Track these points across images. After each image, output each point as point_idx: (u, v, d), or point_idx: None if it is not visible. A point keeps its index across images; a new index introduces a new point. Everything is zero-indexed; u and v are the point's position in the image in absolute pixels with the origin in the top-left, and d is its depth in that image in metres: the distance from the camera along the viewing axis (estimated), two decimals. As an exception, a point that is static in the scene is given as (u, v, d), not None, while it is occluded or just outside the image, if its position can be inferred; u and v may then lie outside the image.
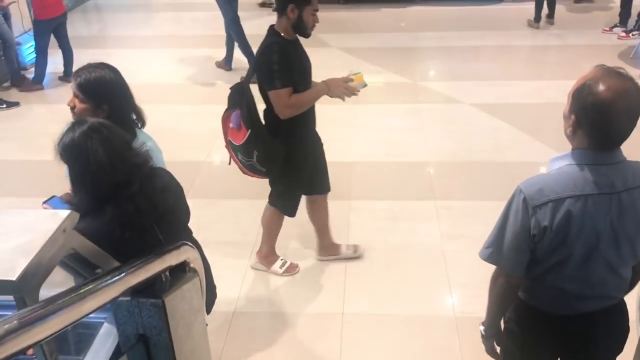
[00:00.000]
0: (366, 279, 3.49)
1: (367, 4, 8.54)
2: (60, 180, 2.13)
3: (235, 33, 6.19)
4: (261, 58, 2.90)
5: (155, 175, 1.97)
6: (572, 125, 1.68)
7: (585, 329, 1.85)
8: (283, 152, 3.04)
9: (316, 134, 3.31)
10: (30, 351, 1.52)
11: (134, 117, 2.37)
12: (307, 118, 3.11)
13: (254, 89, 3.01)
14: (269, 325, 3.21)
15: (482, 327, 2.02)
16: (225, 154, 4.91)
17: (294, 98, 2.89)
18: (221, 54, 6.68)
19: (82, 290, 1.23)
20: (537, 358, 1.96)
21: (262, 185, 4.37)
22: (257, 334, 3.15)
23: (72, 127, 1.81)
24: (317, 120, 5.38)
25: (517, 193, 1.73)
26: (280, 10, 2.87)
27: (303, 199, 3.41)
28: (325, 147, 4.97)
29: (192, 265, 2.01)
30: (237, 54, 6.42)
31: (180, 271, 1.95)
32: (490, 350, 2.06)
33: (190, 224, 3.90)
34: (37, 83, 6.18)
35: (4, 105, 5.78)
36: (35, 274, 1.21)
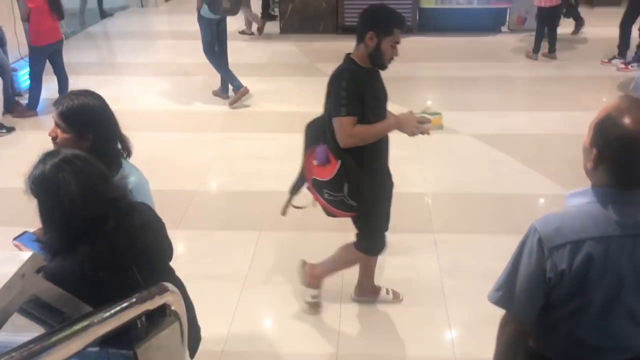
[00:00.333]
0: (362, 317, 3.34)
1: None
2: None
3: (209, 58, 6.19)
4: (330, 84, 2.79)
5: (134, 211, 1.85)
6: (593, 160, 1.56)
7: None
8: (371, 184, 2.92)
9: (387, 167, 3.17)
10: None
11: (120, 146, 2.25)
12: (379, 147, 2.94)
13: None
14: (259, 366, 3.06)
15: None
16: (217, 182, 4.90)
17: (358, 128, 2.72)
18: (213, 83, 6.63)
19: (38, 346, 1.10)
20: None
21: (256, 216, 4.29)
22: (247, 375, 3.00)
23: (44, 158, 1.71)
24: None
25: (531, 232, 1.60)
26: (359, 37, 2.76)
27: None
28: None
29: (172, 308, 1.87)
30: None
31: (160, 315, 1.81)
32: None
33: (180, 256, 3.78)
34: (31, 109, 6.10)
35: (4, 131, 5.70)
36: (-14, 325, 1.09)
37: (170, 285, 1.86)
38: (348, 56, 2.84)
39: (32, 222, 2.14)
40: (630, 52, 7.06)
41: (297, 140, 5.47)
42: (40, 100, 6.13)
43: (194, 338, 2.23)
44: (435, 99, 6.51)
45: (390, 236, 3.98)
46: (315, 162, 2.90)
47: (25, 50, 6.47)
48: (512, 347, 1.71)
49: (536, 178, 4.70)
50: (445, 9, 8.46)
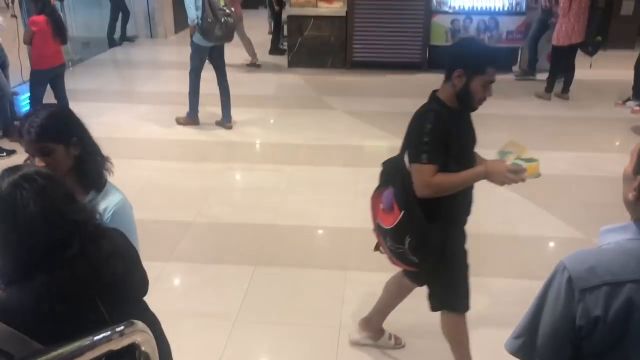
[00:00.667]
0: (360, 362, 3.08)
1: (373, 70, 8.44)
2: None
3: (190, 81, 6.17)
4: (413, 124, 2.48)
5: (103, 237, 1.64)
6: (637, 190, 1.34)
7: None
8: (440, 239, 2.55)
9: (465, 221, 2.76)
10: None
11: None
12: (460, 199, 2.59)
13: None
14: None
15: None
16: (214, 214, 4.68)
17: (439, 178, 2.38)
18: (218, 113, 6.51)
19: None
20: None
21: (252, 250, 4.06)
22: None
23: (1, 175, 1.51)
24: (316, 182, 5.14)
25: (559, 270, 1.36)
26: (446, 75, 2.45)
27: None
28: (322, 210, 4.69)
29: (142, 349, 1.64)
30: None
31: (127, 357, 1.59)
32: None
33: (168, 290, 3.55)
34: (29, 134, 5.95)
35: (4, 154, 5.56)
36: None
37: (139, 323, 1.64)
38: (434, 94, 2.52)
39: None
40: (645, 95, 6.89)
41: (300, 173, 5.33)
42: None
43: (168, 383, 1.98)
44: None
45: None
46: (381, 206, 2.62)
47: (28, 74, 6.37)
48: None
49: (549, 220, 4.46)
50: (455, 47, 8.36)
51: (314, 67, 8.67)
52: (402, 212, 2.47)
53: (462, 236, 2.74)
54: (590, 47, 7.11)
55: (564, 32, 6.93)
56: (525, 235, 4.26)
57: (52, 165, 1.90)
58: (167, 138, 6.15)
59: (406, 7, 8.35)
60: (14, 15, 6.58)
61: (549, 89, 7.25)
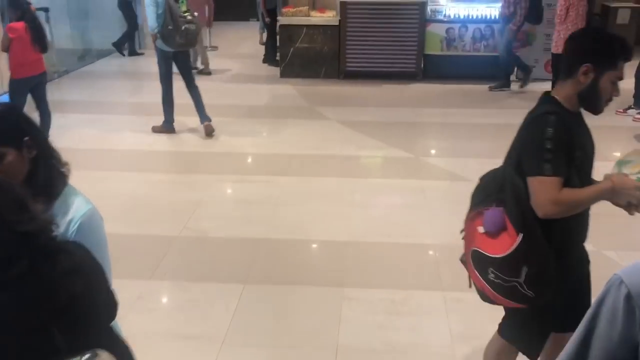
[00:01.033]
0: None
1: (367, 80, 8.24)
2: None
3: (162, 89, 6.09)
4: (526, 130, 2.13)
5: (60, 252, 1.38)
6: None
7: None
8: (561, 268, 2.11)
9: (583, 246, 2.30)
10: None
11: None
12: (581, 220, 2.19)
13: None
14: None
15: None
16: (201, 228, 4.42)
17: (566, 194, 2.00)
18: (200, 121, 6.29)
19: None
20: None
21: (241, 266, 3.80)
22: None
23: None
24: (310, 193, 4.90)
25: (613, 285, 1.12)
26: (567, 71, 2.10)
27: None
28: (317, 223, 4.45)
29: (107, 383, 1.38)
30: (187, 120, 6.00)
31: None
32: None
33: (149, 311, 3.27)
34: (8, 146, 5.68)
35: None
36: None
37: (104, 353, 1.38)
38: (548, 95, 2.19)
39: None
40: (646, 103, 6.71)
41: (293, 184, 5.09)
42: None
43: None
44: (440, 144, 6.12)
45: (394, 293, 3.50)
46: (480, 230, 2.16)
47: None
48: None
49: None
50: (451, 56, 8.19)
51: (306, 78, 8.46)
52: (521, 235, 2.03)
53: (585, 271, 2.32)
54: None
55: (562, 39, 6.74)
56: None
57: (5, 173, 1.65)
58: (154, 149, 5.90)
59: (400, 16, 8.18)
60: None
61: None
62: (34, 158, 1.71)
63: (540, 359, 2.36)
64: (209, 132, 6.11)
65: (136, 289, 3.49)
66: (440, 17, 8.19)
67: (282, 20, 8.44)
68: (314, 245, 4.11)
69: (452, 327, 3.20)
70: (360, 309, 3.34)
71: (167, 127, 6.22)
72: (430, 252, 3.97)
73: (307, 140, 6.07)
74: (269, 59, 9.37)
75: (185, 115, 6.76)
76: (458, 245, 4.02)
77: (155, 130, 6.23)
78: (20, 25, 5.16)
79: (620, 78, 2.10)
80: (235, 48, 11.09)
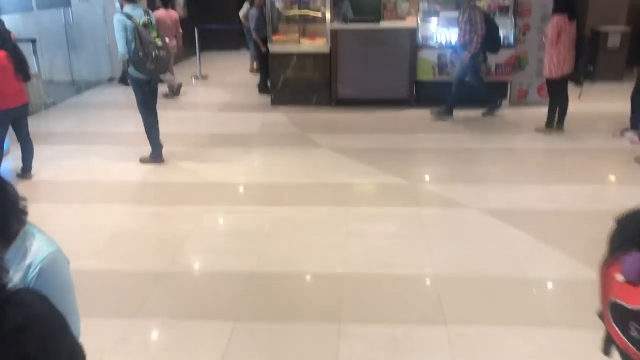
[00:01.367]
0: None
1: (360, 107, 8.14)
2: None
3: (142, 118, 6.01)
4: None
5: (9, 304, 1.18)
6: None
7: None
8: None
9: None
10: None
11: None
12: None
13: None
14: None
15: None
16: (189, 262, 4.16)
17: None
18: (198, 153, 6.11)
19: None
20: None
21: (232, 303, 3.56)
22: None
23: None
24: (303, 223, 4.71)
25: None
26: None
27: None
28: (310, 255, 4.24)
29: None
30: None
31: None
32: None
33: (132, 354, 3.04)
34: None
35: None
36: None
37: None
38: None
39: None
40: (643, 125, 6.61)
41: (285, 214, 4.89)
42: (4, 170, 5.52)
43: None
44: (436, 170, 5.96)
45: (393, 327, 3.28)
46: (619, 278, 1.88)
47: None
48: None
49: (560, 259, 4.05)
50: (442, 82, 8.10)
51: (298, 105, 8.35)
52: None
53: None
54: (582, 76, 6.87)
55: (555, 63, 6.70)
56: (537, 277, 3.83)
57: None
58: (140, 180, 5.71)
59: (391, 43, 8.11)
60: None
61: (549, 123, 6.97)
62: None
63: None
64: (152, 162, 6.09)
65: (119, 329, 3.27)
66: (432, 43, 8.13)
67: (272, 48, 8.35)
68: (308, 278, 3.90)
69: (457, 364, 2.99)
70: (358, 347, 3.12)
71: (155, 156, 6.05)
72: (431, 283, 3.77)
73: (299, 169, 5.90)
74: (262, 87, 9.25)
75: (173, 145, 6.62)
76: (459, 276, 3.85)
77: (143, 161, 6.06)
78: (1, 54, 5.01)
79: None
80: (226, 77, 11.00)
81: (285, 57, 8.30)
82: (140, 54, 5.51)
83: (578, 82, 6.83)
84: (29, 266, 1.50)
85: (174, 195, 5.26)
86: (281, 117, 7.92)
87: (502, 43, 7.78)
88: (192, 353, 3.10)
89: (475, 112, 7.88)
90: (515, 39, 8.01)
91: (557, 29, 6.57)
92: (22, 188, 5.47)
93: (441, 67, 8.09)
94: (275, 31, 8.52)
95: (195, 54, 10.76)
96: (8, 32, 5.23)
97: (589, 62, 6.92)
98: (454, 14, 8.02)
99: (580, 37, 6.77)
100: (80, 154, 6.44)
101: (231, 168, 5.97)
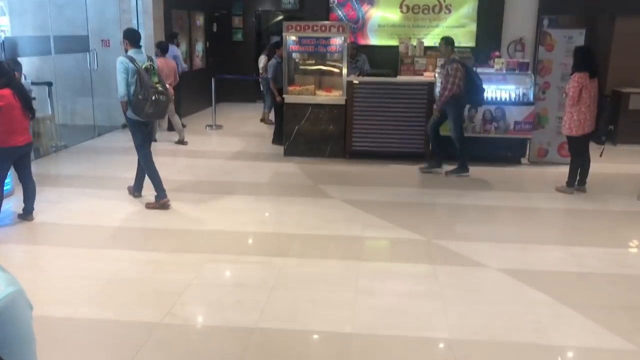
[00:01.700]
0: None
1: (374, 160, 7.97)
2: None
3: (143, 162, 5.97)
4: None
5: None
6: None
7: None
8: None
9: None
10: None
11: None
12: None
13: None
14: None
15: None
16: (186, 314, 3.75)
17: None
18: (206, 200, 5.93)
19: None
20: None
21: (228, 356, 3.28)
22: None
23: None
24: (310, 277, 4.44)
25: None
26: None
27: None
28: (317, 312, 3.95)
29: None
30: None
31: None
32: None
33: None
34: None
35: None
36: None
37: None
38: None
39: None
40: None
41: (292, 266, 4.63)
42: (1, 210, 5.34)
43: None
44: (454, 227, 5.69)
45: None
46: None
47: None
48: None
49: (588, 326, 3.72)
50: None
51: (311, 157, 8.20)
52: None
53: None
54: (604, 136, 6.68)
55: (576, 121, 6.52)
56: (563, 345, 3.50)
57: None
58: (144, 226, 5.50)
59: (408, 95, 8.01)
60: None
61: (571, 182, 6.72)
62: None
63: None
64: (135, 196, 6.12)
65: (103, 386, 2.99)
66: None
67: (287, 98, 8.29)
68: (314, 337, 3.60)
69: None
70: (365, 418, 2.80)
71: (160, 198, 5.89)
72: (447, 348, 3.45)
73: (309, 219, 5.67)
74: (277, 138, 9.12)
75: (182, 192, 6.45)
76: (478, 341, 3.53)
77: (149, 206, 5.88)
78: (7, 92, 4.93)
79: None
80: (240, 127, 10.96)
81: (300, 107, 8.21)
82: (140, 97, 5.50)
83: (599, 141, 6.63)
84: None
85: (178, 243, 5.03)
86: (293, 168, 7.76)
87: (484, 97, 7.55)
88: (181, 417, 2.79)
89: (493, 169, 7.67)
90: (535, 96, 7.87)
91: (579, 87, 6.42)
92: (22, 229, 5.33)
93: (459, 122, 7.93)
94: (291, 82, 8.47)
95: (211, 104, 10.76)
96: (13, 70, 5.18)
97: (611, 120, 6.73)
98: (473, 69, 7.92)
99: (602, 95, 6.61)
100: (86, 197, 6.29)
101: (239, 217, 5.76)
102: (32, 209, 5.46)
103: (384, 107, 8.01)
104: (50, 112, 8.50)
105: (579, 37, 7.72)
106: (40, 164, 7.96)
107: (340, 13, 10.69)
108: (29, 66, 8.66)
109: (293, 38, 8.23)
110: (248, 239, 5.27)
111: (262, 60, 10.91)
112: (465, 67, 7.25)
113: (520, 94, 7.92)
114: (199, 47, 12.54)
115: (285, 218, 5.78)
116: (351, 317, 3.76)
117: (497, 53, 8.96)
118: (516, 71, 8.00)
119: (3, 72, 4.96)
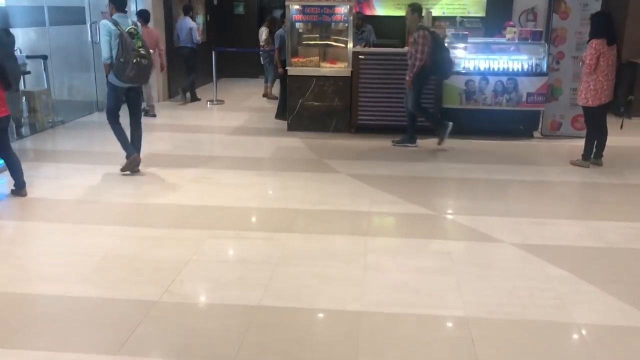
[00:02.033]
0: None
1: (381, 134, 7.70)
2: None
3: (110, 124, 5.94)
4: None
5: None
6: None
7: None
8: None
9: None
10: None
11: None
12: None
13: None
14: None
15: None
16: (185, 292, 3.56)
17: None
18: (207, 175, 5.70)
19: None
20: None
21: (230, 340, 3.02)
22: None
23: None
24: (316, 253, 4.23)
25: None
26: None
27: None
28: (323, 289, 3.73)
29: None
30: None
31: None
32: None
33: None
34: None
35: None
36: None
37: None
38: None
39: None
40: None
41: (297, 242, 4.39)
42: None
43: None
44: (465, 201, 5.45)
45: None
46: None
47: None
48: None
49: (611, 303, 3.50)
50: (470, 110, 7.66)
51: (315, 131, 7.94)
52: None
53: None
54: (622, 107, 6.39)
55: (593, 91, 6.23)
56: (587, 323, 3.28)
57: None
58: (142, 202, 5.28)
59: (416, 67, 7.71)
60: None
61: (587, 156, 6.45)
62: None
63: None
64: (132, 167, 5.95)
65: (95, 368, 2.79)
66: (460, 69, 7.70)
67: (291, 70, 8.00)
68: (319, 316, 3.38)
69: None
70: (377, 402, 2.60)
71: (129, 155, 5.92)
72: (462, 327, 3.23)
73: (314, 194, 5.44)
74: (281, 113, 8.83)
75: (181, 167, 6.23)
76: (495, 319, 3.31)
77: (123, 169, 5.93)
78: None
79: None
80: (242, 102, 10.70)
81: (304, 79, 7.93)
82: (122, 59, 5.53)
83: (618, 112, 6.35)
84: None
85: (177, 218, 4.81)
86: (297, 142, 7.52)
87: (451, 69, 7.22)
88: (178, 401, 2.60)
89: (505, 143, 7.41)
90: (548, 66, 7.56)
91: (596, 54, 6.12)
92: (15, 205, 5.08)
93: (469, 94, 7.65)
94: (295, 54, 8.18)
95: (212, 79, 10.48)
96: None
97: (631, 90, 6.43)
98: (483, 39, 7.63)
99: (621, 64, 6.31)
100: (83, 173, 6.07)
101: (240, 192, 5.54)
102: (23, 183, 5.24)
103: (391, 79, 7.72)
104: (45, 87, 8.25)
105: (594, 4, 7.39)
106: (37, 139, 7.75)
107: (345, -17, 10.32)
108: (24, 39, 8.39)
109: (296, 7, 7.92)
110: (250, 215, 5.04)
111: (263, 32, 10.60)
112: (433, 36, 6.91)
113: (533, 65, 7.61)
114: (200, 20, 12.21)
115: (289, 193, 5.55)
116: (359, 295, 3.54)
117: (510, 22, 8.62)
118: (529, 40, 7.68)
119: None
